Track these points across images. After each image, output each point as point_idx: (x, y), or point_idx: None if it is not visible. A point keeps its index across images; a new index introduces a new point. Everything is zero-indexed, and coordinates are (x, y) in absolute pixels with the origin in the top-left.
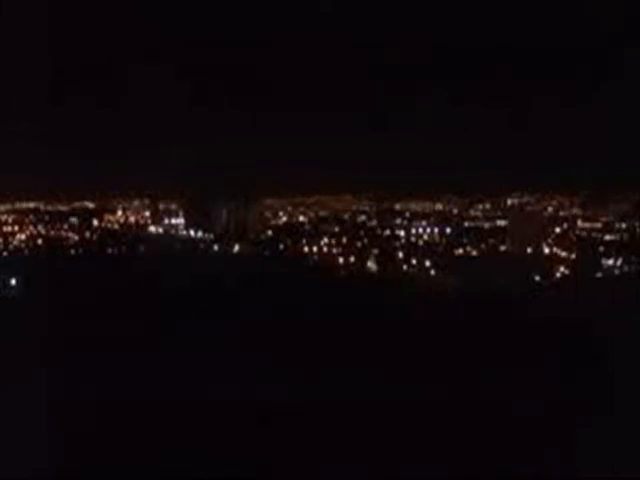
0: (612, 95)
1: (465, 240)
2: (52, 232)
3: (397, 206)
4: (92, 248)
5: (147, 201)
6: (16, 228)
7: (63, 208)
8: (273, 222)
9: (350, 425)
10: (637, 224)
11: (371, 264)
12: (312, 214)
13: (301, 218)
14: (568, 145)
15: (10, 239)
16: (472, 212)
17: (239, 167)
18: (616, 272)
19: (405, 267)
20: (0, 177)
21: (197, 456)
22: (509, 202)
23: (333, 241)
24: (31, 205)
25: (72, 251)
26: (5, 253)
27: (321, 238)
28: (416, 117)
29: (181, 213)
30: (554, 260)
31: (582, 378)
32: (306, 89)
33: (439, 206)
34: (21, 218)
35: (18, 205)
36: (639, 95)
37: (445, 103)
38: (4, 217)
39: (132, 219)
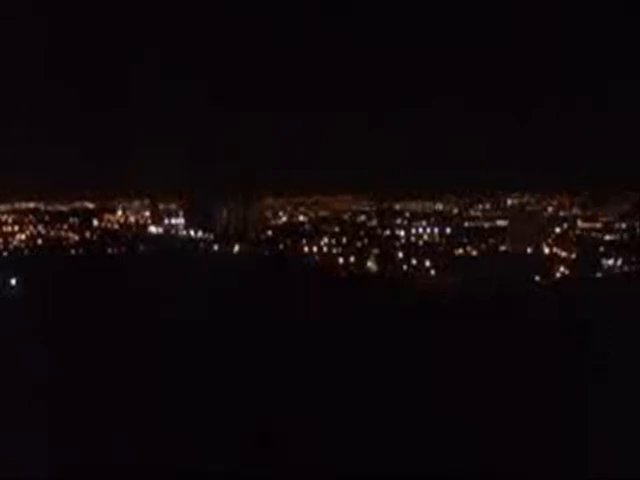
0: (612, 95)
1: (465, 240)
2: (52, 232)
3: (397, 206)
4: (92, 248)
5: (147, 201)
6: (16, 228)
7: (63, 208)
8: (273, 222)
9: (350, 426)
10: (637, 224)
11: (371, 264)
12: (312, 214)
13: (301, 218)
14: (568, 145)
15: (10, 239)
16: (472, 212)
17: (239, 167)
18: (616, 272)
19: (405, 267)
20: (0, 177)
21: (196, 458)
22: (509, 202)
23: (333, 241)
24: (31, 205)
25: (72, 251)
26: (5, 253)
27: (321, 238)
28: (416, 117)
29: (181, 213)
30: (554, 260)
31: (582, 378)
32: (306, 89)
33: (439, 206)
34: (21, 218)
35: (18, 205)
36: (639, 95)
37: (445, 103)
38: (4, 217)
39: (132, 219)
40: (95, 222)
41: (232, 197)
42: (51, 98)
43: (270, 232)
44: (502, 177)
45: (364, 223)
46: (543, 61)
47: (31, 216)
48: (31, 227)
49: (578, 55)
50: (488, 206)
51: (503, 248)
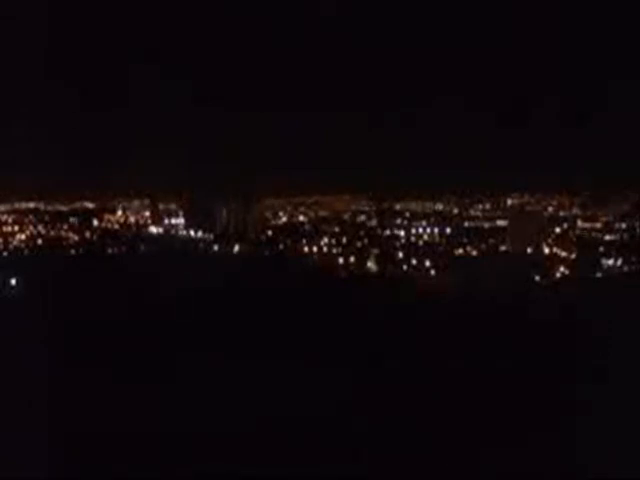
0: (612, 95)
1: (465, 240)
2: (52, 232)
3: (397, 206)
4: (92, 248)
5: (147, 201)
6: (16, 228)
7: (63, 208)
8: (273, 222)
9: (349, 426)
10: (637, 224)
11: (371, 264)
12: (312, 214)
13: (301, 218)
14: (568, 145)
15: (10, 239)
16: (472, 212)
17: (239, 167)
18: (616, 272)
19: (405, 267)
20: (0, 177)
21: (196, 459)
22: (509, 202)
23: (333, 241)
24: (31, 205)
25: (72, 251)
26: (5, 253)
27: (321, 238)
28: (416, 117)
29: (181, 213)
30: (554, 260)
31: (582, 378)
32: (306, 89)
33: (439, 206)
34: (21, 218)
35: (18, 205)
36: (639, 95)
37: (445, 103)
38: (4, 217)
39: (132, 219)
40: (95, 222)
41: (232, 197)
42: (51, 98)
43: (270, 232)
44: (502, 177)
45: (364, 223)
46: (543, 61)
47: (31, 216)
48: (31, 227)
49: (578, 55)
50: (488, 206)
51: (503, 248)
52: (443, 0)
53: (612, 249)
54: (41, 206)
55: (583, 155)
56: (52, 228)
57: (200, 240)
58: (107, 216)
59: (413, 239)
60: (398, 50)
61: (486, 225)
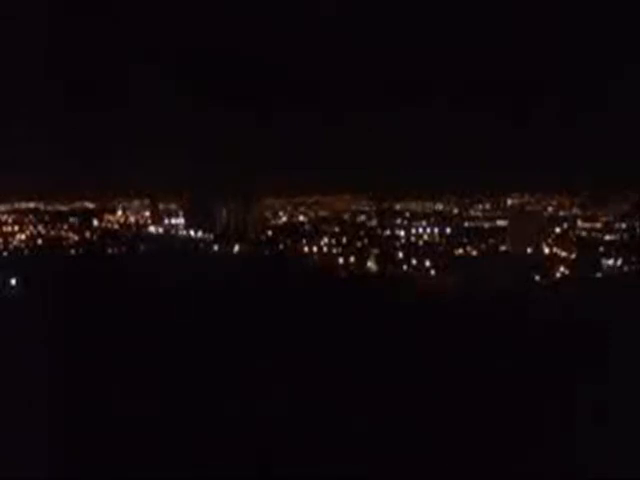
0: (612, 95)
1: (465, 240)
2: (52, 232)
3: (397, 206)
4: (92, 248)
5: (147, 201)
6: (16, 228)
7: (63, 208)
8: (273, 222)
9: (350, 425)
10: (637, 224)
11: (371, 264)
12: (312, 214)
13: (301, 218)
14: (568, 145)
15: (10, 239)
16: (472, 212)
17: (239, 167)
18: (616, 272)
19: (405, 267)
20: (0, 177)
21: (196, 459)
22: (509, 202)
23: (333, 241)
24: (31, 205)
25: (72, 251)
26: (5, 253)
27: (321, 238)
28: (417, 118)
29: (181, 213)
30: (554, 260)
31: (582, 378)
32: (306, 89)
33: (439, 206)
34: (21, 218)
35: (18, 205)
36: (639, 95)
37: (445, 103)
38: (4, 217)
39: (132, 219)
40: (95, 222)
41: (232, 197)
42: (51, 98)
43: (270, 232)
44: (502, 177)
45: (364, 223)
46: (543, 61)
47: (31, 216)
48: (31, 227)
49: (578, 55)
50: (488, 206)
51: (503, 248)
52: (443, 0)
53: (612, 249)
54: (41, 206)
55: (583, 155)
56: (52, 228)
57: (200, 240)
58: (107, 216)
59: (413, 239)
60: (398, 50)
61: (486, 225)
